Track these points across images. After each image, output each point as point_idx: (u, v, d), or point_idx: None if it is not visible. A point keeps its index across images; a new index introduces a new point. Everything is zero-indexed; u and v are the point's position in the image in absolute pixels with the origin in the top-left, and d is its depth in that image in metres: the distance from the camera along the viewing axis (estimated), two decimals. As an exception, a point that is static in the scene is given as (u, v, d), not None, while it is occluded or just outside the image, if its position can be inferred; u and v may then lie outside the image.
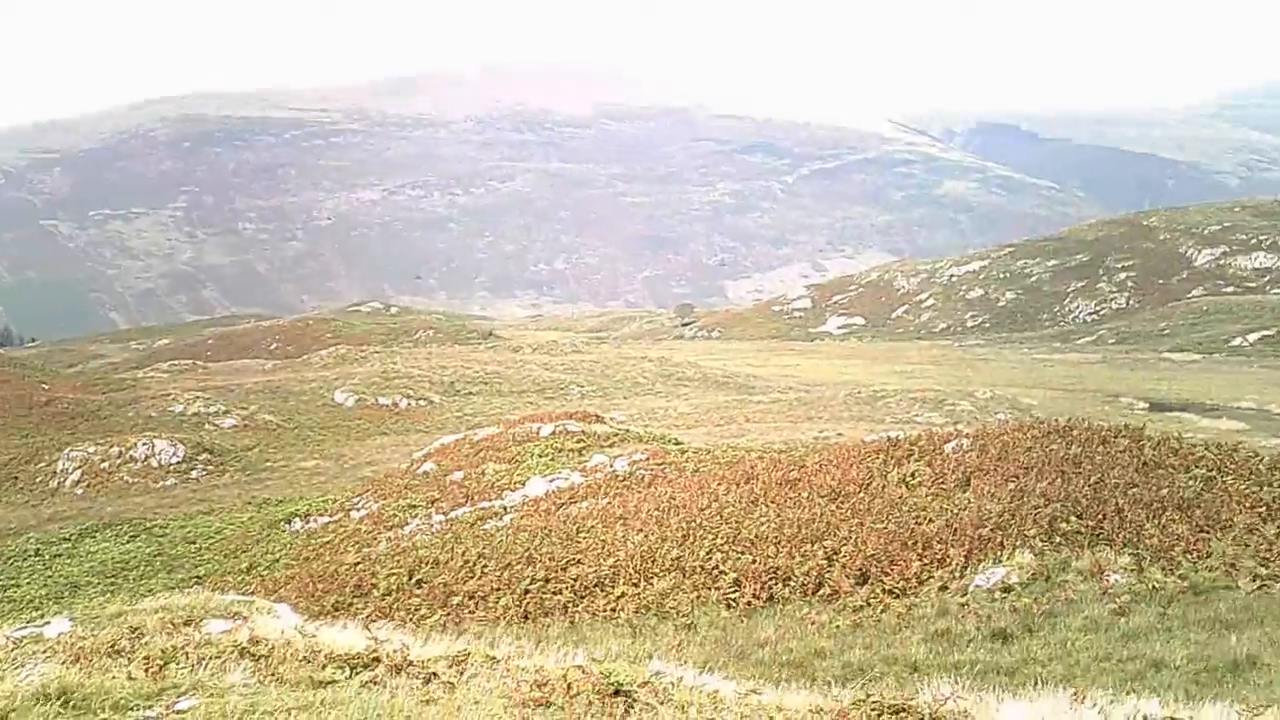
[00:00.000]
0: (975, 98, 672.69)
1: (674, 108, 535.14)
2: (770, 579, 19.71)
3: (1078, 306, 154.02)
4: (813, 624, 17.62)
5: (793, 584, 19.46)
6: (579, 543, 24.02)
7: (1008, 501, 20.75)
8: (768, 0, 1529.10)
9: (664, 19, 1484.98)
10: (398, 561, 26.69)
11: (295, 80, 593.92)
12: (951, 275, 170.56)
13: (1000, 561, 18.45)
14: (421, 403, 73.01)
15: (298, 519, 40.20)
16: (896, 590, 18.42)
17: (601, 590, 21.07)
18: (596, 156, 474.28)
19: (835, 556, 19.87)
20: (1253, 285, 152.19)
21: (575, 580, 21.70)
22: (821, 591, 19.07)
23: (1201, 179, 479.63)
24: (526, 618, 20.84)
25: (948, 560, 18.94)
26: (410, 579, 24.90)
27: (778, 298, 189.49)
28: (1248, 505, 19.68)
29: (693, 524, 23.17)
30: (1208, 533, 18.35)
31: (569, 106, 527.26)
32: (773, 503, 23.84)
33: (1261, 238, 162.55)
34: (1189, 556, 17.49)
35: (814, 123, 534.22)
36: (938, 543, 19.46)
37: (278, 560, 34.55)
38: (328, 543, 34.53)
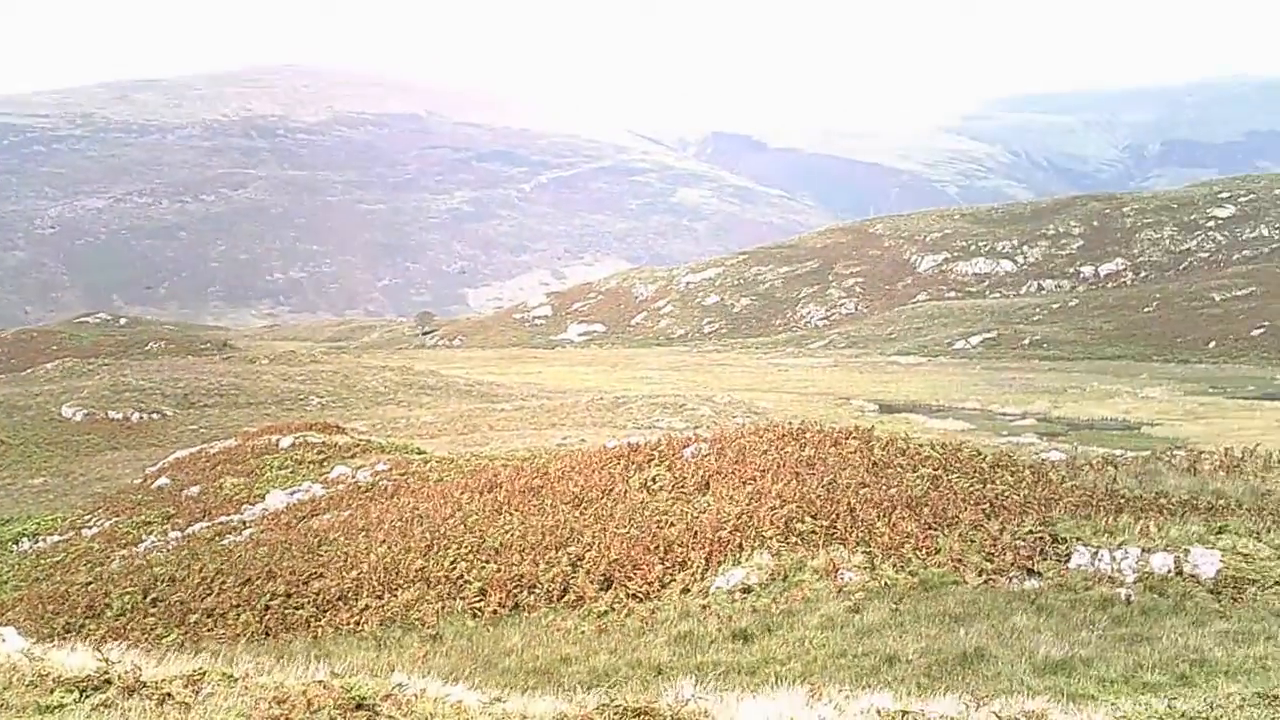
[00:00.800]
0: (707, 108, 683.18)
1: (409, 114, 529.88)
2: (516, 587, 19.73)
3: (809, 312, 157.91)
4: (559, 630, 17.70)
5: (538, 591, 19.51)
6: (321, 556, 23.66)
7: (745, 504, 21.12)
8: (501, 8, 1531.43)
9: (397, 24, 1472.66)
10: (132, 580, 25.90)
11: (10, 84, 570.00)
12: (688, 282, 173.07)
13: (740, 563, 18.79)
14: (155, 416, 70.89)
15: (25, 539, 38.61)
16: (640, 594, 18.62)
17: (345, 604, 20.80)
18: (332, 163, 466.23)
19: (580, 562, 19.98)
20: (973, 290, 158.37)
21: (318, 594, 21.38)
22: (567, 598, 19.17)
23: (923, 187, 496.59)
24: (268, 634, 20.47)
25: (689, 563, 19.21)
26: (145, 598, 24.20)
27: (519, 305, 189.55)
28: (972, 502, 20.42)
29: (437, 534, 23.05)
30: (936, 530, 18.97)
31: (302, 113, 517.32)
32: (517, 510, 23.87)
33: (980, 244, 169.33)
34: (919, 553, 18.04)
35: (551, 130, 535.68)
36: (679, 546, 19.72)
37: (4, 583, 33.11)
38: (58, 562, 33.26)
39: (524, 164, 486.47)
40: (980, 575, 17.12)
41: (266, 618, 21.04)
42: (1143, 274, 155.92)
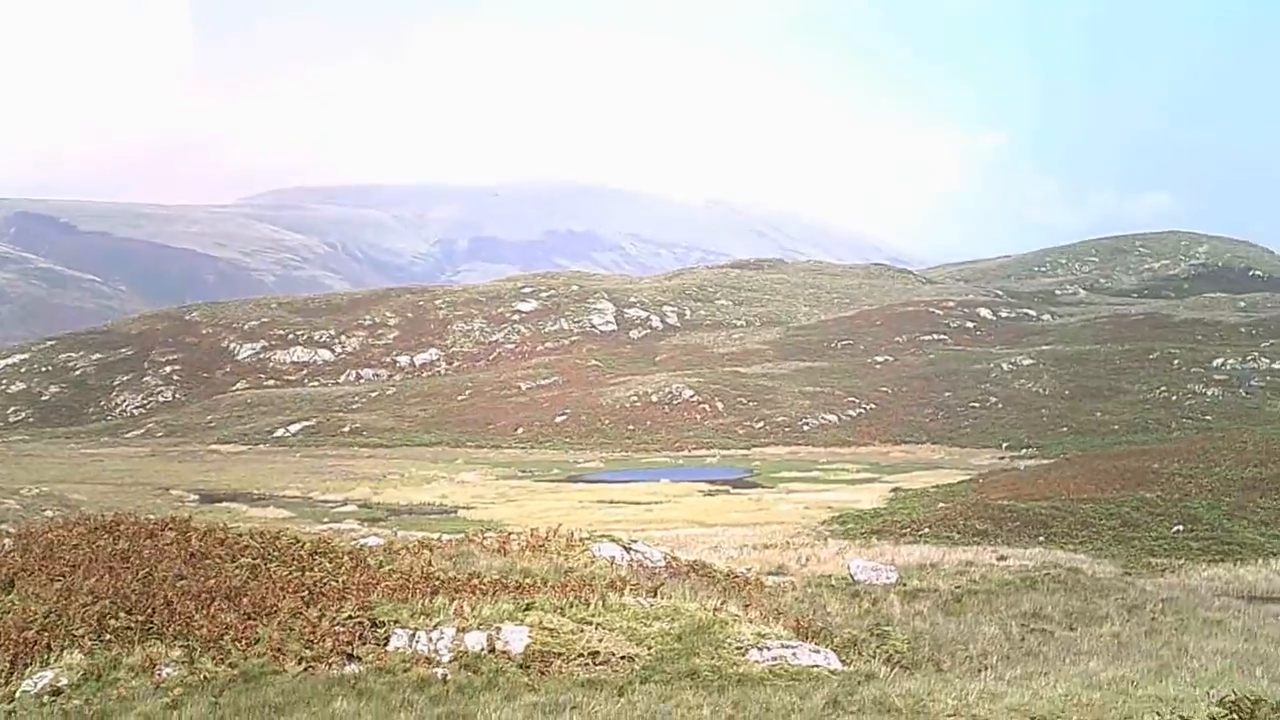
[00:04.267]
0: (10, 187, 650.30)
1: None
2: None
3: (125, 400, 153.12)
4: None
5: None
6: None
7: (54, 601, 20.21)
8: None
9: None
10: None
11: None
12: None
13: (49, 664, 17.96)
14: None
15: None
16: (-65, 707, 17.41)
17: None
18: None
19: None
20: (292, 378, 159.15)
21: None
22: None
23: (239, 275, 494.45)
24: None
25: (-7, 669, 18.17)
26: None
27: None
28: (292, 590, 20.45)
29: None
30: (255, 620, 18.87)
31: None
32: None
33: (298, 333, 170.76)
34: (239, 644, 17.89)
35: None
36: (-21, 651, 18.62)
37: None
38: None
39: None
40: (301, 663, 17.19)
41: None
42: (456, 364, 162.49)
